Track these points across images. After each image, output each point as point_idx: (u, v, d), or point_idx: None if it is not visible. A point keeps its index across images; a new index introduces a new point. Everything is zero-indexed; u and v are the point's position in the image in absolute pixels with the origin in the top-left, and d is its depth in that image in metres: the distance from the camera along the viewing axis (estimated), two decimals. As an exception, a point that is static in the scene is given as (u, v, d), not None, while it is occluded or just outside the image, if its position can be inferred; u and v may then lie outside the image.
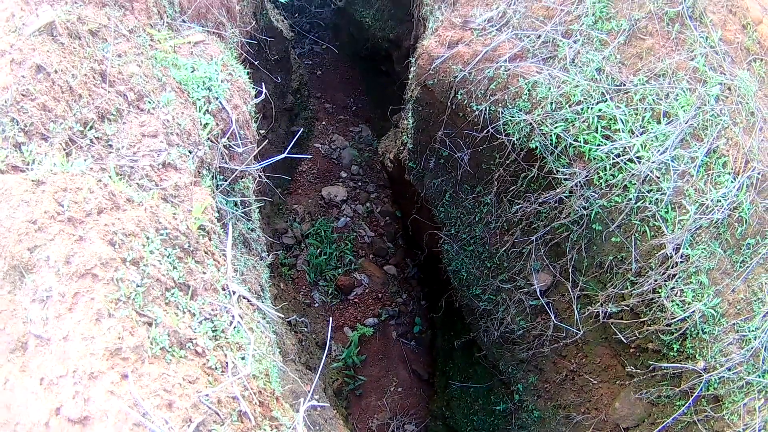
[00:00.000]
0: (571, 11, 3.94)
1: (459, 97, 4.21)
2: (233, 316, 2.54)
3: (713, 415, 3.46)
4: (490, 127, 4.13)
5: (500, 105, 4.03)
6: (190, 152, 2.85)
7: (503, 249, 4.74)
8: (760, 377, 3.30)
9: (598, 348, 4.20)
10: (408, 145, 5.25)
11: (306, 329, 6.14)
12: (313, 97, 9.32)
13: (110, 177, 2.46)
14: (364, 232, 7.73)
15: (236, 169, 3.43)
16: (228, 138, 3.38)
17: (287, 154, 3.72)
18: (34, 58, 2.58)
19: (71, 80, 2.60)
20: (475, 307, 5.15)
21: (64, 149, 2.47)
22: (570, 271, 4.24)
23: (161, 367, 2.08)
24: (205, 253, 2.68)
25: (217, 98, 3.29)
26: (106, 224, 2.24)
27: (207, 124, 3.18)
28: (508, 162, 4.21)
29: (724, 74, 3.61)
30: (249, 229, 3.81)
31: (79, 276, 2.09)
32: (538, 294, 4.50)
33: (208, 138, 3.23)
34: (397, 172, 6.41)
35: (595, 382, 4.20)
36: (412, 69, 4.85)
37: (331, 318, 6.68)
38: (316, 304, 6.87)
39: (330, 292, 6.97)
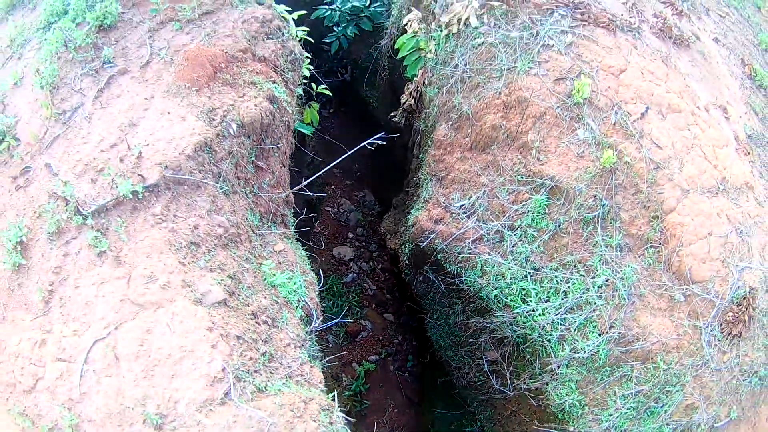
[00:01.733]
0: (519, 210, 5.68)
1: (439, 257, 6.06)
2: None
3: None
4: (456, 279, 6.01)
5: (463, 269, 5.88)
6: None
7: (466, 334, 6.69)
8: None
9: (526, 402, 6.22)
10: (405, 260, 7.06)
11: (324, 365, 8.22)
12: (324, 161, 10.49)
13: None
14: (368, 286, 9.44)
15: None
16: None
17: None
18: (234, 331, 4.60)
19: (251, 334, 4.61)
20: (450, 362, 7.14)
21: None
22: (506, 356, 6.19)
23: None
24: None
25: (303, 300, 5.20)
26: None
27: (302, 317, 5.13)
28: (467, 297, 6.11)
29: (612, 269, 5.37)
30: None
31: None
32: (486, 364, 6.49)
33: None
34: (395, 255, 8.16)
35: (527, 420, 6.24)
36: (408, 222, 6.58)
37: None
38: (330, 345, 8.78)
39: (341, 335, 8.85)
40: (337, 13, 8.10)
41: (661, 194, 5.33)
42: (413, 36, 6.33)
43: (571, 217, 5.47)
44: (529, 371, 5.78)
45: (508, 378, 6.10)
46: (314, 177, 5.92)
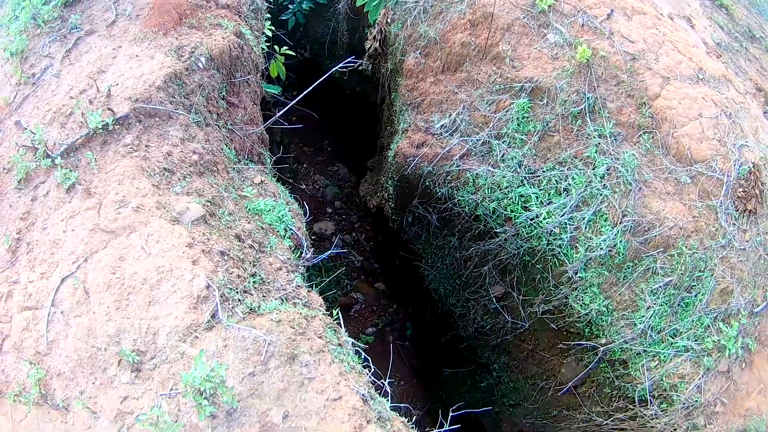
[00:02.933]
0: (502, 118, 5.33)
1: (427, 183, 5.62)
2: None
3: (623, 372, 4.89)
4: (449, 203, 5.55)
5: (455, 189, 5.44)
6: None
7: (467, 272, 6.13)
8: (648, 348, 4.71)
9: (544, 333, 5.58)
10: (390, 204, 6.61)
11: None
12: (292, 142, 10.02)
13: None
14: (354, 257, 8.83)
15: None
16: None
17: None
18: (217, 246, 3.98)
19: (237, 252, 4.04)
20: (453, 312, 6.52)
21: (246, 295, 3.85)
22: (515, 284, 5.63)
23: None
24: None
25: (291, 228, 4.69)
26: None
27: (291, 247, 4.60)
28: (463, 222, 5.62)
29: (611, 156, 4.97)
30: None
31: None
32: (494, 300, 5.91)
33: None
34: (379, 213, 7.68)
35: (547, 356, 5.60)
36: (389, 158, 6.20)
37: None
38: (323, 322, 7.97)
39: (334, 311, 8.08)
40: (292, -12, 7.90)
41: (643, 82, 5.01)
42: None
43: (557, 114, 5.11)
44: (544, 293, 5.22)
45: (520, 307, 5.53)
46: (291, 104, 5.53)
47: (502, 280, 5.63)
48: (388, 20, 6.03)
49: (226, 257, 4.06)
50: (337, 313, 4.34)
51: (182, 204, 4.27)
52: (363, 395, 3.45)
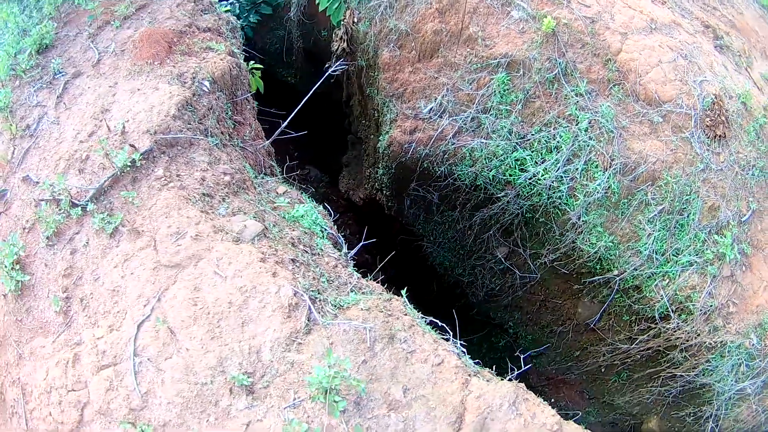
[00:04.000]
0: (485, 93, 5.65)
1: (425, 165, 5.87)
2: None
3: (639, 297, 5.40)
4: (449, 179, 5.85)
5: (453, 165, 5.73)
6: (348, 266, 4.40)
7: (470, 240, 6.48)
8: (656, 270, 5.24)
9: (554, 281, 6.02)
10: (385, 192, 6.80)
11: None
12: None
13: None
14: None
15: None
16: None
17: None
18: (286, 255, 4.02)
19: (301, 258, 4.18)
20: (461, 282, 6.84)
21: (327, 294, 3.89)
22: (519, 242, 6.04)
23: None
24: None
25: (325, 229, 4.76)
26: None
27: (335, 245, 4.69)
28: (463, 194, 5.94)
29: (590, 111, 5.42)
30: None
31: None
32: (502, 260, 6.30)
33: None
34: (365, 205, 7.81)
35: (560, 302, 6.05)
36: (381, 149, 6.39)
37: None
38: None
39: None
40: (237, 4, 7.78)
41: (605, 41, 5.48)
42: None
43: (535, 81, 5.49)
44: (550, 243, 5.64)
45: (529, 261, 5.95)
46: (290, 117, 5.56)
47: (506, 241, 6.00)
48: (355, 20, 6.15)
49: (297, 264, 4.10)
50: (404, 296, 4.47)
51: (238, 223, 4.25)
52: (458, 354, 3.69)
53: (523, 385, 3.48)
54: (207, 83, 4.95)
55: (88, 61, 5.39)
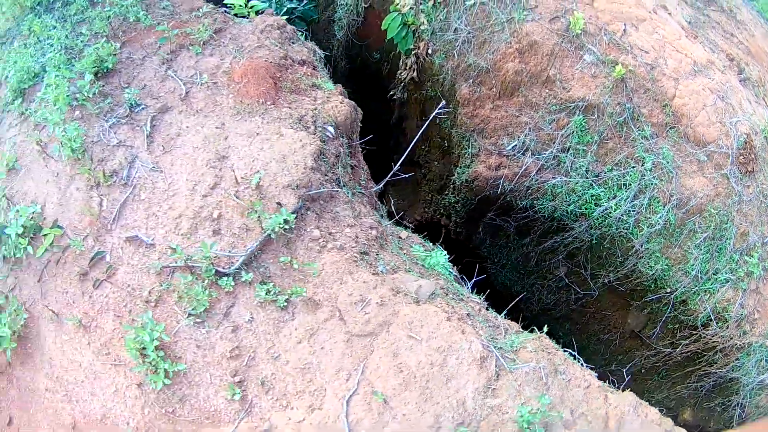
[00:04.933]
0: (564, 134, 5.85)
1: (508, 199, 5.96)
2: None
3: (685, 308, 6.01)
4: (529, 212, 6.02)
5: (535, 199, 5.91)
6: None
7: (533, 261, 6.76)
8: (701, 287, 5.88)
9: (608, 296, 6.46)
10: (454, 218, 6.78)
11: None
12: None
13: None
14: None
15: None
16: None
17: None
18: (461, 311, 4.14)
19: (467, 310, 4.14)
20: (515, 296, 7.09)
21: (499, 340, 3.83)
22: (582, 264, 6.42)
23: None
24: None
25: (451, 272, 4.61)
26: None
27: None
28: (539, 224, 6.16)
29: (654, 153, 5.86)
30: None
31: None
32: (564, 278, 6.68)
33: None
34: (424, 228, 7.57)
35: (610, 313, 6.53)
36: (460, 180, 6.37)
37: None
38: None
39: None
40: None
41: (662, 86, 5.94)
42: (398, 14, 5.97)
43: (607, 124, 5.81)
44: (611, 266, 6.09)
45: (589, 280, 6.37)
46: (402, 158, 5.29)
47: (568, 263, 6.35)
48: (429, 51, 5.95)
49: (470, 317, 4.01)
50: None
51: (412, 283, 3.99)
52: (595, 376, 4.00)
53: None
54: (331, 129, 4.52)
55: (171, 92, 4.61)
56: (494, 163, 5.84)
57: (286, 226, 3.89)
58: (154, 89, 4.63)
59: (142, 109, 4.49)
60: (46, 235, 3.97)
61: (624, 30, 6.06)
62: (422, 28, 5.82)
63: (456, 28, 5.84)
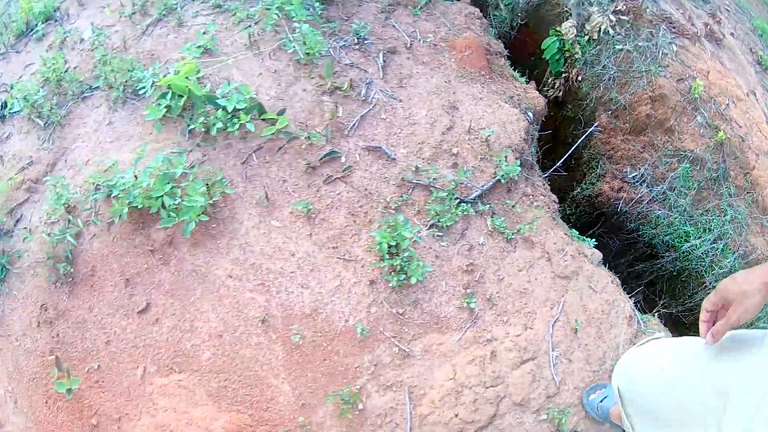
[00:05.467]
0: (674, 176, 6.88)
1: (620, 219, 6.92)
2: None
3: None
4: (633, 234, 7.00)
5: (641, 225, 6.88)
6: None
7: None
8: (755, 325, 6.96)
9: (669, 327, 7.40)
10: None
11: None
12: None
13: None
14: None
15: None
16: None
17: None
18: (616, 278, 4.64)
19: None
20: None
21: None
22: (657, 292, 7.38)
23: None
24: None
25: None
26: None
27: None
28: (637, 247, 7.13)
29: (734, 209, 6.93)
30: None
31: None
32: (641, 301, 7.60)
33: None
34: None
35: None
36: (582, 194, 7.19)
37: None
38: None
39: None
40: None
41: (747, 158, 7.16)
42: (558, 39, 6.90)
43: (705, 177, 6.89)
44: (681, 297, 7.10)
45: (660, 308, 7.29)
46: (565, 157, 6.10)
47: (647, 289, 7.31)
48: (579, 78, 6.88)
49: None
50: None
51: (588, 249, 4.79)
52: None
53: None
54: (530, 114, 5.31)
55: (395, 39, 5.21)
56: (616, 186, 6.77)
57: (513, 176, 4.59)
58: (377, 31, 5.19)
59: (371, 43, 5.05)
60: (269, 119, 4.21)
61: (727, 104, 7.25)
62: (576, 56, 6.77)
63: (605, 65, 6.83)
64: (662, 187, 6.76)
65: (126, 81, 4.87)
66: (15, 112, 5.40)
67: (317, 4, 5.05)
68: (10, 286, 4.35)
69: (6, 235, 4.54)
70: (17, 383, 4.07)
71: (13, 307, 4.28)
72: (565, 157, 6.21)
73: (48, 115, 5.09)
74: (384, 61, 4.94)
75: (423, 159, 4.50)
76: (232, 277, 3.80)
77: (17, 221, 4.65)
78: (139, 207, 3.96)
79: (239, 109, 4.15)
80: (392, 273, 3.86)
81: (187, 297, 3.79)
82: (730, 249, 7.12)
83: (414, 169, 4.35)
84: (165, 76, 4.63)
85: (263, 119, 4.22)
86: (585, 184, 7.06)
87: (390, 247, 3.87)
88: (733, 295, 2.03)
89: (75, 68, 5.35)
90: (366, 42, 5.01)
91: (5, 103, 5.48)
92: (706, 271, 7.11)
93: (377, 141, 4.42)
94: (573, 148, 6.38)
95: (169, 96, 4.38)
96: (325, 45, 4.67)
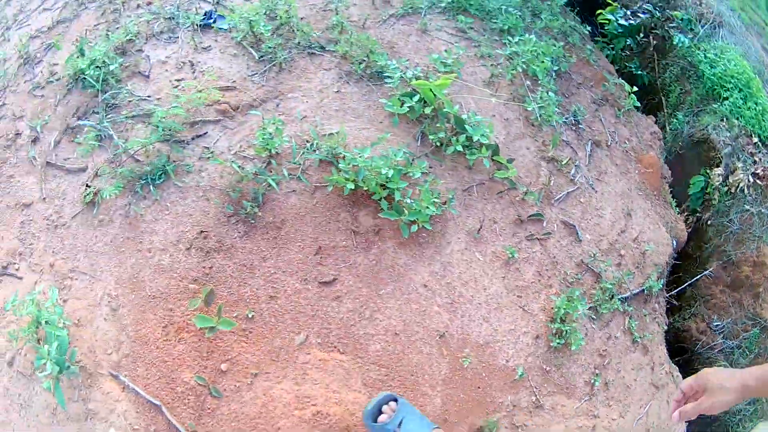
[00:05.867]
0: (745, 336, 7.50)
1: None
2: None
3: None
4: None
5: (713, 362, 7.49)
6: None
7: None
8: None
9: None
10: None
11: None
12: None
13: None
14: None
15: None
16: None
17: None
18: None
19: None
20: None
21: None
22: None
23: None
24: None
25: None
26: None
27: None
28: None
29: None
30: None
31: None
32: None
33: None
34: None
35: None
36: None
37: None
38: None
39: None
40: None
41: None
42: (704, 180, 7.45)
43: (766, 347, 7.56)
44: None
45: None
46: (681, 288, 6.68)
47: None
48: (708, 222, 7.45)
49: None
50: None
51: (676, 371, 5.33)
52: None
53: None
54: (674, 243, 5.85)
55: (599, 133, 5.67)
56: (702, 328, 7.35)
57: (654, 291, 5.10)
58: (588, 119, 5.55)
59: (583, 129, 5.46)
60: (499, 162, 4.58)
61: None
62: (713, 202, 7.36)
63: (731, 219, 7.42)
64: (733, 343, 7.35)
65: (367, 60, 5.09)
66: (222, 29, 5.31)
67: (554, 74, 5.51)
68: (164, 195, 3.99)
69: (179, 144, 4.20)
70: (128, 292, 3.66)
71: (158, 217, 3.90)
72: (681, 288, 6.75)
73: (268, 51, 5.04)
74: (590, 150, 5.43)
75: (600, 250, 4.98)
76: (426, 287, 4.06)
77: (197, 136, 4.45)
78: (362, 188, 4.11)
79: (482, 143, 4.57)
80: (556, 335, 4.34)
81: (377, 287, 3.84)
82: (757, 414, 7.72)
83: (592, 255, 4.83)
84: (413, 76, 4.97)
85: (493, 159, 4.66)
86: (679, 316, 7.62)
87: (563, 314, 4.35)
88: (712, 386, 2.19)
89: (302, 18, 5.43)
90: (580, 126, 5.49)
91: (210, 13, 5.44)
92: (733, 427, 7.70)
93: (573, 220, 4.91)
94: (689, 282, 6.92)
95: (416, 98, 4.72)
96: (557, 117, 5.11)
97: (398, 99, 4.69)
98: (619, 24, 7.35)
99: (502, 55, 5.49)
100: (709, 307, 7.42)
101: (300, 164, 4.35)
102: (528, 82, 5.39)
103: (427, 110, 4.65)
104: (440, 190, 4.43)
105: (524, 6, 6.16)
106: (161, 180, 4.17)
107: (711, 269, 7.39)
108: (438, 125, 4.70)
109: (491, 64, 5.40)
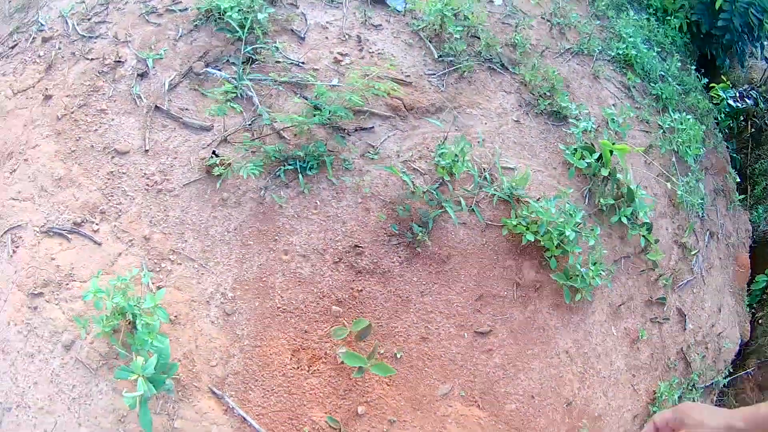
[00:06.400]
0: None
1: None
2: None
3: None
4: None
5: None
6: None
7: None
8: None
9: None
10: None
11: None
12: None
13: None
14: None
15: None
16: None
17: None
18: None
19: None
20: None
21: None
22: None
23: None
24: None
25: None
26: None
27: None
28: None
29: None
30: None
31: None
32: None
33: None
34: None
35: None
36: None
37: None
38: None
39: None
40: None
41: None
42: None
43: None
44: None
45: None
46: (733, 376, 7.13)
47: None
48: (760, 322, 7.91)
49: None
50: None
51: None
52: None
53: None
54: (741, 340, 6.27)
55: (713, 223, 5.93)
56: None
57: (720, 385, 5.50)
58: (707, 207, 5.90)
59: (704, 216, 5.73)
60: (650, 240, 4.81)
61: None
62: None
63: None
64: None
65: (550, 96, 4.87)
66: (398, 10, 4.90)
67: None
68: (314, 189, 3.60)
69: (341, 133, 3.86)
70: (250, 297, 2.97)
71: (302, 213, 3.45)
72: (733, 376, 7.23)
73: (449, 52, 4.70)
74: (707, 241, 5.64)
75: (696, 341, 5.26)
76: (567, 353, 3.91)
77: (362, 129, 3.93)
78: (539, 240, 3.96)
79: (650, 227, 4.65)
80: (649, 416, 4.63)
81: (526, 347, 3.66)
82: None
83: (689, 345, 5.12)
84: (590, 128, 4.89)
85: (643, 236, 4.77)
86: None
87: (663, 395, 4.61)
88: (692, 423, 1.83)
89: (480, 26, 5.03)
90: (702, 215, 5.66)
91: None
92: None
93: (685, 309, 5.15)
94: (731, 376, 7.46)
95: (595, 156, 4.66)
96: (698, 208, 5.26)
97: (579, 152, 4.60)
98: (728, 104, 7.47)
99: (660, 126, 5.48)
100: (738, 401, 7.97)
101: (474, 196, 4.03)
102: (674, 159, 5.44)
103: (604, 171, 4.61)
104: (606, 256, 4.45)
105: (681, 76, 6.13)
106: (313, 171, 3.53)
107: (752, 368, 7.91)
108: (607, 189, 4.68)
109: (645, 131, 5.40)
